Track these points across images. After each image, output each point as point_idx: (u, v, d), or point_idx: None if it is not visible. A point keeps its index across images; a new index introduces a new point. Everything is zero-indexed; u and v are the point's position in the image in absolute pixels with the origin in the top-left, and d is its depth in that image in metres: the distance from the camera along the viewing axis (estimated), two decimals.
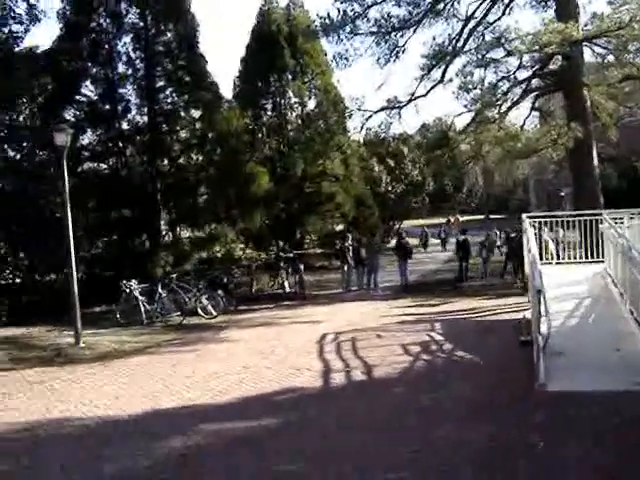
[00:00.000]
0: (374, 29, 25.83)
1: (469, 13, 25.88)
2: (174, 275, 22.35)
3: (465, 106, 25.67)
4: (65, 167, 17.23)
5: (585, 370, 10.38)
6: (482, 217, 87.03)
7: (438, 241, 47.74)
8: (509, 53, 24.03)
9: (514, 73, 25.47)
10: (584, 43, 24.34)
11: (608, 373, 10.12)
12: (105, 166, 28.01)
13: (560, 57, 25.29)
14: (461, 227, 43.42)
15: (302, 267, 26.91)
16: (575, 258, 19.87)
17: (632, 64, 23.85)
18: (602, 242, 17.94)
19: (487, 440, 8.01)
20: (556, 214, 23.43)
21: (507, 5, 26.20)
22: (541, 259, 18.58)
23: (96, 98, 26.71)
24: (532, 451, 7.54)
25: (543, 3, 27.37)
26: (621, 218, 16.81)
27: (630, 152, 41.07)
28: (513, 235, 25.35)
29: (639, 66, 23.59)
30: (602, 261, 17.89)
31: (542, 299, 10.35)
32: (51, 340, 17.75)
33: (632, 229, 15.31)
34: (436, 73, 25.88)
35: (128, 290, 20.63)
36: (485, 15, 25.77)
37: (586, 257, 19.01)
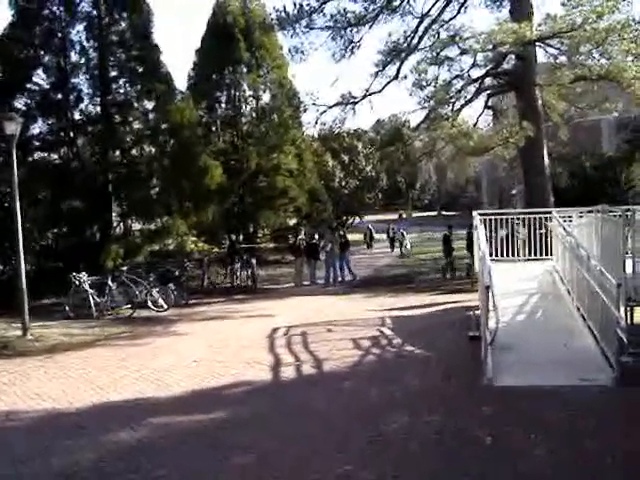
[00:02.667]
0: (330, 24, 25.86)
1: (425, 10, 26.05)
2: (125, 268, 22.17)
3: (419, 103, 25.78)
4: (14, 157, 16.98)
5: (532, 365, 10.52)
6: (434, 213, 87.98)
7: (386, 237, 45.56)
8: (463, 51, 24.20)
9: (468, 71, 25.64)
10: (537, 43, 24.60)
11: (555, 368, 10.27)
12: (56, 156, 27.59)
13: (513, 57, 25.58)
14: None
15: (254, 261, 26.88)
16: (525, 255, 20.11)
17: (583, 65, 24.14)
18: (551, 240, 18.21)
19: (437, 433, 8.10)
20: (507, 211, 23.69)
21: (462, 4, 26.39)
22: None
23: (48, 87, 26.31)
24: (480, 442, 7.65)
25: (498, 3, 27.57)
26: (570, 216, 17.05)
27: (580, 151, 41.68)
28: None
29: (590, 67, 23.90)
30: (551, 258, 18.16)
31: (490, 295, 10.47)
32: None
33: (580, 227, 15.54)
34: (391, 70, 26.02)
35: (78, 282, 20.42)
36: (440, 13, 25.92)
37: (535, 254, 19.27)
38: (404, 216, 73.29)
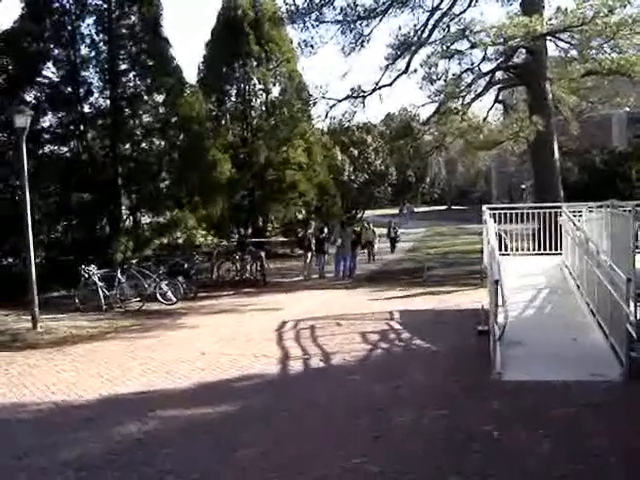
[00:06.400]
0: (340, 17, 25.83)
1: (435, 4, 26.00)
2: (134, 261, 22.24)
3: (429, 97, 25.84)
4: (24, 150, 17.04)
5: (541, 360, 10.50)
6: (444, 208, 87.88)
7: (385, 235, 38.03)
8: (474, 45, 24.17)
9: (478, 65, 25.67)
10: (548, 37, 24.55)
11: (563, 363, 10.25)
12: (66, 149, 27.61)
13: (524, 51, 25.51)
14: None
15: (263, 254, 26.88)
16: (535, 250, 20.04)
17: (594, 59, 24.10)
18: (561, 234, 18.14)
19: (444, 427, 8.07)
20: (517, 206, 23.62)
21: None
22: None
23: (58, 80, 26.32)
24: (488, 437, 7.62)
25: None
26: (580, 211, 16.97)
27: (591, 146, 41.55)
28: None
29: (601, 61, 23.83)
30: (560, 253, 18.10)
31: (499, 289, 10.44)
32: (8, 325, 17.58)
33: (590, 222, 15.48)
34: (401, 63, 26.00)
35: (87, 275, 20.46)
36: (451, 6, 25.87)
37: (545, 249, 19.21)
38: (404, 210, 72.80)
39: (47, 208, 25.16)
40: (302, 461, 7.22)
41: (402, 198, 76.09)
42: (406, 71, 25.89)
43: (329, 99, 26.72)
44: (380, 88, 26.39)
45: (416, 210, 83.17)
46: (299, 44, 27.94)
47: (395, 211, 73.26)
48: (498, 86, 27.75)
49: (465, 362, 11.32)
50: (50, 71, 26.34)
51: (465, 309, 16.71)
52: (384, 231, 38.33)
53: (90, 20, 26.65)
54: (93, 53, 26.82)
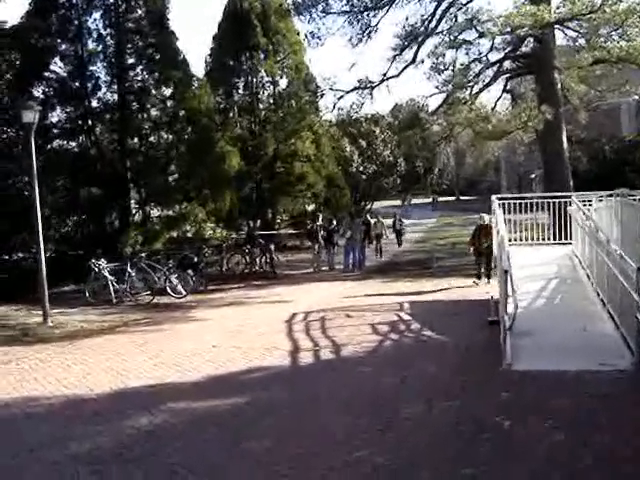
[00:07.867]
0: (346, 8, 25.81)
1: None
2: (144, 254, 22.26)
3: (437, 87, 25.77)
4: (33, 145, 17.08)
5: (551, 350, 10.47)
6: (453, 198, 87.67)
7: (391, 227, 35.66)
8: (481, 35, 24.07)
9: (486, 55, 25.56)
10: (556, 26, 24.43)
11: (574, 353, 10.23)
12: (74, 144, 27.72)
13: (532, 40, 25.39)
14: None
15: (272, 247, 26.90)
16: (544, 239, 20.00)
17: (603, 48, 23.94)
18: (571, 224, 18.09)
19: (454, 418, 8.07)
20: (526, 196, 23.56)
21: None
22: None
23: (65, 75, 26.41)
24: (498, 429, 7.61)
25: None
26: (590, 200, 16.92)
27: (600, 135, 41.33)
28: None
29: (610, 49, 23.68)
30: (570, 243, 18.05)
31: (509, 279, 10.41)
32: (19, 319, 17.67)
33: (599, 211, 15.43)
34: (408, 54, 25.94)
35: (97, 269, 20.53)
36: None
37: (555, 239, 19.17)
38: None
39: (56, 203, 25.24)
40: (309, 455, 7.20)
41: (407, 190, 75.77)
42: (414, 62, 25.84)
43: (337, 90, 26.75)
44: (388, 79, 26.36)
45: (440, 199, 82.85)
46: (306, 36, 28.00)
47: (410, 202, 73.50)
48: (506, 76, 27.65)
49: (475, 353, 11.31)
50: (58, 66, 26.47)
51: (474, 299, 16.68)
52: (390, 222, 37.81)
53: (97, 14, 26.79)
54: (100, 47, 26.90)
